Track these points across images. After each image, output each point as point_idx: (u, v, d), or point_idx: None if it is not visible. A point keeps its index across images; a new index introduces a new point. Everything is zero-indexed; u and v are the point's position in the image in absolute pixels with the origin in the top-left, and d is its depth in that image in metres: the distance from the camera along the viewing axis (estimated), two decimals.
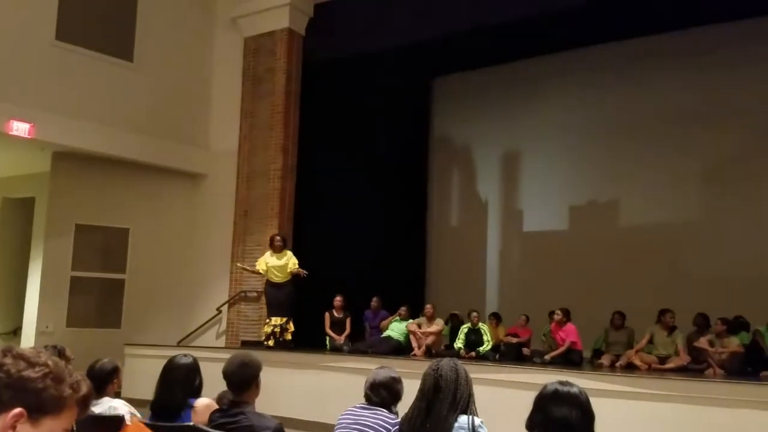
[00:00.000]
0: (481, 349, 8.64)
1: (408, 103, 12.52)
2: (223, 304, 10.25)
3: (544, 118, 11.99)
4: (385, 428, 3.15)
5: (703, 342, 7.67)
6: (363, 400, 3.34)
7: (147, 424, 3.20)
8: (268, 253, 9.07)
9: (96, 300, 10.06)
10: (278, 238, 9.05)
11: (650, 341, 8.07)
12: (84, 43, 9.37)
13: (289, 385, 7.69)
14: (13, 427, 1.27)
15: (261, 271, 9.02)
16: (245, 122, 10.64)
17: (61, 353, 3.55)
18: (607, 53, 10.96)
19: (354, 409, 3.31)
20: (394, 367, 3.53)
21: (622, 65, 11.10)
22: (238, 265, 9.72)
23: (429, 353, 8.48)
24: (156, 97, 10.17)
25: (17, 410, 1.27)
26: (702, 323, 8.19)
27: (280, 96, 10.32)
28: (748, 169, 10.40)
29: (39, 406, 1.30)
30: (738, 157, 10.52)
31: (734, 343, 7.57)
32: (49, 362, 1.34)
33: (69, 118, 9.02)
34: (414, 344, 8.77)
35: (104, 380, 3.64)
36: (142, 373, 7.56)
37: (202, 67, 10.97)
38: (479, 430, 2.72)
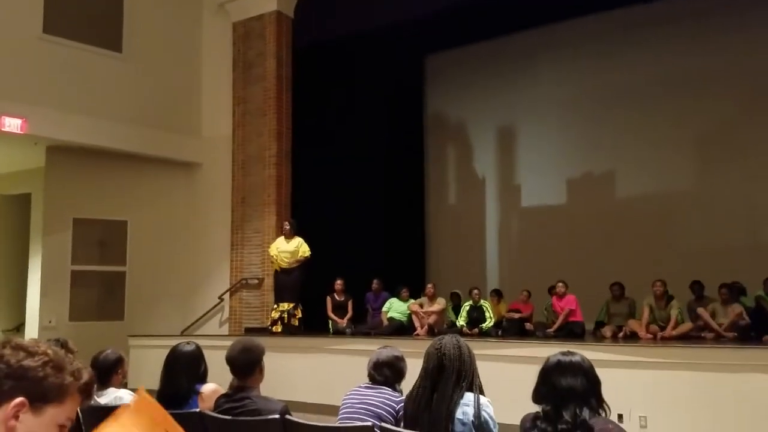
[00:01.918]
0: (483, 325, 8.66)
1: (401, 82, 12.44)
2: (225, 292, 10.26)
3: (539, 91, 11.93)
4: (389, 406, 3.16)
5: (702, 312, 7.69)
6: (367, 381, 3.35)
7: None
8: (280, 239, 9.18)
9: (97, 293, 10.07)
10: (286, 223, 9.22)
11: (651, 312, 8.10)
12: (72, 36, 9.30)
13: (293, 369, 7.73)
14: (16, 417, 1.26)
15: (273, 256, 9.08)
16: (238, 109, 10.57)
17: (63, 346, 3.53)
18: (599, 24, 10.88)
19: (358, 388, 3.32)
20: (397, 347, 3.53)
21: (613, 35, 11.02)
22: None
23: (431, 332, 8.49)
24: (147, 86, 10.11)
25: (19, 399, 1.27)
26: (698, 290, 8.26)
27: (272, 81, 10.25)
28: (744, 137, 10.37)
29: (40, 394, 1.29)
30: (734, 126, 10.48)
31: (737, 309, 7.60)
32: (49, 351, 1.33)
33: (61, 111, 8.98)
34: (416, 324, 8.79)
35: (108, 371, 3.63)
36: (147, 364, 7.60)
37: (192, 54, 10.88)
38: (485, 409, 2.68)
